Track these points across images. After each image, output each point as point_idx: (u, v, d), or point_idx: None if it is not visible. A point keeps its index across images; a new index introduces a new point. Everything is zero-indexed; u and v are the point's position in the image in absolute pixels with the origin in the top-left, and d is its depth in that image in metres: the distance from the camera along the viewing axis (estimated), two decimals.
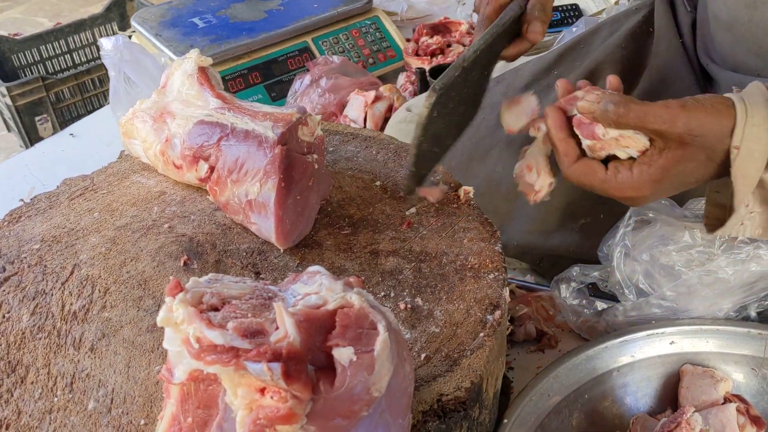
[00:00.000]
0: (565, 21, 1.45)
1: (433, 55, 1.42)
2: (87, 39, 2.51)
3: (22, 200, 0.83)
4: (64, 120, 2.24)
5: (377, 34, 1.44)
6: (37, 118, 2.24)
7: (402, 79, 1.41)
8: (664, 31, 0.97)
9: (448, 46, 1.44)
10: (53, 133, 1.92)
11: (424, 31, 1.46)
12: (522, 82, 1.10)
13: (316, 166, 0.75)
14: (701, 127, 0.64)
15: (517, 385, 0.85)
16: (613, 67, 1.00)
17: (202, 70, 0.81)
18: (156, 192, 0.81)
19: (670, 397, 0.81)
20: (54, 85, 2.21)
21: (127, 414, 0.58)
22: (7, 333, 0.65)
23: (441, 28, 1.50)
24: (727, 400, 0.77)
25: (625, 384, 0.80)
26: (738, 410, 0.76)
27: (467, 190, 0.80)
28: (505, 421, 0.72)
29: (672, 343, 0.81)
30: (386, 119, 1.21)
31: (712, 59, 0.90)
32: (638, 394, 0.81)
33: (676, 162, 0.66)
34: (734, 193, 0.66)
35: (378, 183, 0.82)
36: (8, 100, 2.16)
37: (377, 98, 1.21)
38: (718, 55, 0.89)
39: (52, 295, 0.69)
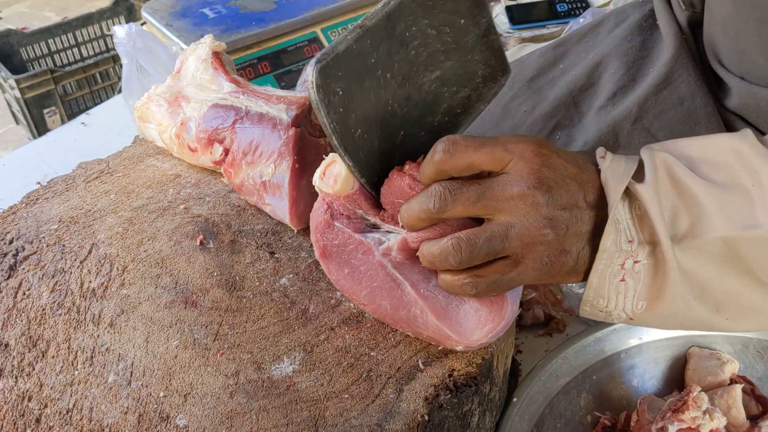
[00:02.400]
0: (573, 12, 1.46)
1: None
2: (95, 32, 2.53)
3: (38, 183, 0.84)
4: (72, 112, 2.26)
5: None
6: (45, 111, 2.26)
7: None
8: (667, 26, 0.96)
9: None
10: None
11: None
12: (527, 75, 1.11)
13: (329, 149, 0.76)
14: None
15: (525, 368, 0.86)
16: (619, 59, 0.99)
17: (216, 54, 0.82)
18: (171, 175, 0.82)
19: (676, 379, 0.83)
20: (62, 78, 2.23)
21: (147, 386, 0.59)
22: (27, 309, 0.67)
23: None
24: (733, 381, 0.78)
25: (632, 366, 0.82)
26: (744, 391, 0.77)
27: None
28: (515, 399, 0.74)
29: None
30: None
31: (720, 62, 0.87)
32: (645, 375, 0.82)
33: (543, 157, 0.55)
34: (607, 195, 0.54)
35: None
36: (17, 93, 2.18)
37: None
38: (725, 57, 0.86)
39: (71, 273, 0.70)
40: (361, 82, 0.56)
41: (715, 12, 0.84)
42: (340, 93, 0.55)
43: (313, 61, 0.53)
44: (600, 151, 0.56)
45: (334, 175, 0.60)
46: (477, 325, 0.59)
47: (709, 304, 0.55)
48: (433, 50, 0.61)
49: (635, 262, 0.54)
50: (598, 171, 0.55)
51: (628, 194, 0.54)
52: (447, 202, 0.53)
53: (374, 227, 0.61)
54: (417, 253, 0.58)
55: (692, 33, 0.92)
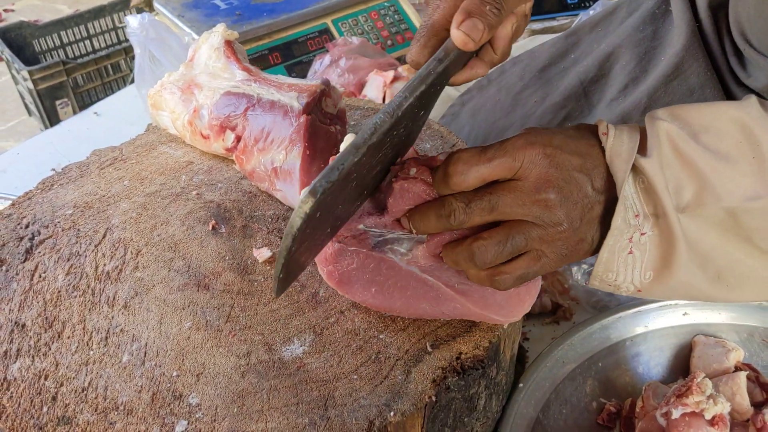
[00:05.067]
0: (582, 4, 1.46)
1: None
2: (106, 24, 2.54)
3: (53, 170, 0.86)
4: (84, 104, 2.27)
5: (396, 16, 1.46)
6: (57, 102, 2.28)
7: None
8: (681, 14, 0.95)
9: None
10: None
11: None
12: (538, 65, 1.11)
13: (339, 137, 0.77)
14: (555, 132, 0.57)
15: (532, 356, 0.87)
16: (631, 50, 0.99)
17: (229, 43, 0.83)
18: (183, 162, 0.84)
19: (681, 367, 0.83)
20: (74, 70, 2.25)
21: (160, 366, 0.61)
22: (43, 291, 0.68)
23: None
24: (738, 368, 0.79)
25: (638, 353, 0.82)
26: (748, 378, 0.77)
27: None
28: (521, 385, 0.75)
29: (685, 314, 0.83)
30: None
31: (749, 42, 0.84)
32: (651, 363, 0.83)
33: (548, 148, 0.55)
34: (614, 175, 0.55)
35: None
36: (30, 84, 2.19)
37: (396, 78, 1.23)
38: (755, 37, 0.83)
39: (86, 256, 0.71)
40: (335, 201, 0.53)
41: None
42: (317, 216, 0.51)
43: (307, 190, 0.49)
44: (602, 127, 0.57)
45: None
46: (518, 303, 0.62)
47: (710, 272, 0.56)
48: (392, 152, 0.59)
49: (642, 234, 0.55)
50: (602, 148, 0.56)
51: (633, 168, 0.55)
52: (464, 216, 0.55)
53: (380, 237, 0.61)
54: (441, 255, 0.59)
55: (713, 15, 0.91)
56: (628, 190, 0.55)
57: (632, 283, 0.58)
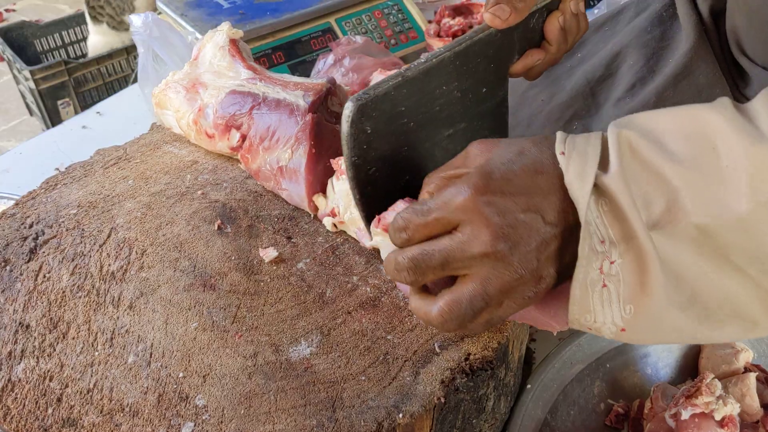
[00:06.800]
0: (588, 3, 1.45)
1: (454, 36, 1.43)
2: None
3: (57, 169, 0.85)
4: (86, 104, 2.27)
5: (399, 15, 1.45)
6: (59, 102, 2.28)
7: None
8: (686, 17, 0.94)
9: (470, 27, 1.45)
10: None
11: (446, 12, 1.47)
12: None
13: None
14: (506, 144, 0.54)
15: (539, 356, 0.87)
16: (638, 50, 0.98)
17: (234, 42, 0.82)
18: (188, 161, 0.83)
19: (690, 368, 0.83)
20: (76, 69, 2.24)
21: (166, 367, 0.60)
22: (48, 292, 0.68)
23: (463, 10, 1.51)
24: (747, 369, 0.78)
25: (646, 354, 0.82)
26: (758, 379, 0.77)
27: None
28: (529, 386, 0.74)
29: None
30: None
31: (743, 52, 0.85)
32: (659, 364, 0.82)
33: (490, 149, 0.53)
34: (574, 200, 0.49)
35: None
36: (31, 84, 2.19)
37: None
38: (749, 47, 0.84)
39: (91, 256, 0.71)
40: (389, 125, 0.60)
41: (741, 1, 0.84)
42: (368, 131, 0.58)
43: (353, 97, 0.57)
44: (559, 145, 0.51)
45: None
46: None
47: (683, 295, 0.50)
48: (453, 110, 0.65)
49: (611, 263, 0.49)
50: (559, 169, 0.50)
51: (594, 187, 0.49)
52: (417, 275, 0.52)
53: None
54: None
55: (714, 23, 0.91)
56: (591, 216, 0.49)
57: (613, 322, 0.50)
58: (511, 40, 0.68)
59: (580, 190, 0.48)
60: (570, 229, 0.50)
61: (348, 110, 0.57)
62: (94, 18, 2.39)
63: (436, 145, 0.66)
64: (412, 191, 0.63)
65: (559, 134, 0.52)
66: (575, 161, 0.49)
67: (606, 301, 0.50)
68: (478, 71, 0.66)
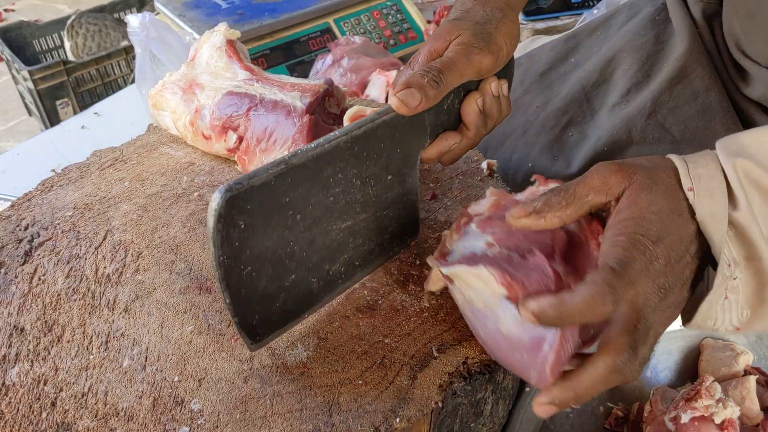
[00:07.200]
0: (586, 3, 1.45)
1: None
2: None
3: (53, 171, 0.84)
4: (85, 104, 2.26)
5: (398, 15, 1.45)
6: (58, 102, 2.27)
7: None
8: (680, 20, 0.94)
9: None
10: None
11: (445, 13, 1.47)
12: (539, 69, 1.10)
13: None
14: (645, 168, 0.55)
15: None
16: (632, 55, 0.98)
17: (231, 42, 0.82)
18: (185, 162, 0.83)
19: (690, 371, 0.82)
20: (75, 69, 2.24)
21: (162, 371, 0.60)
22: (42, 294, 0.67)
23: None
24: (747, 372, 0.78)
25: None
26: (758, 382, 0.76)
27: (491, 163, 0.81)
28: (527, 389, 0.74)
29: None
30: None
31: (743, 52, 0.85)
32: (658, 367, 0.82)
33: (638, 195, 0.53)
34: (709, 239, 0.53)
35: None
36: (30, 84, 2.18)
37: None
38: (750, 48, 0.84)
39: (86, 259, 0.70)
40: (268, 219, 0.54)
41: (738, 4, 0.83)
42: (242, 227, 0.52)
43: (222, 187, 0.50)
44: (685, 180, 0.53)
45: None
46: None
47: None
48: (352, 200, 0.60)
49: (733, 279, 0.53)
50: (689, 205, 0.53)
51: None
52: (636, 367, 0.51)
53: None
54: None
55: (708, 25, 0.90)
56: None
57: (731, 323, 0.55)
58: (421, 124, 0.62)
59: (716, 229, 0.52)
60: (702, 257, 0.54)
61: (215, 203, 0.49)
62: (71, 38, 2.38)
63: (332, 239, 0.60)
64: (297, 292, 0.59)
65: (679, 165, 0.54)
66: (707, 201, 0.53)
67: (726, 309, 0.54)
68: (382, 157, 0.60)
